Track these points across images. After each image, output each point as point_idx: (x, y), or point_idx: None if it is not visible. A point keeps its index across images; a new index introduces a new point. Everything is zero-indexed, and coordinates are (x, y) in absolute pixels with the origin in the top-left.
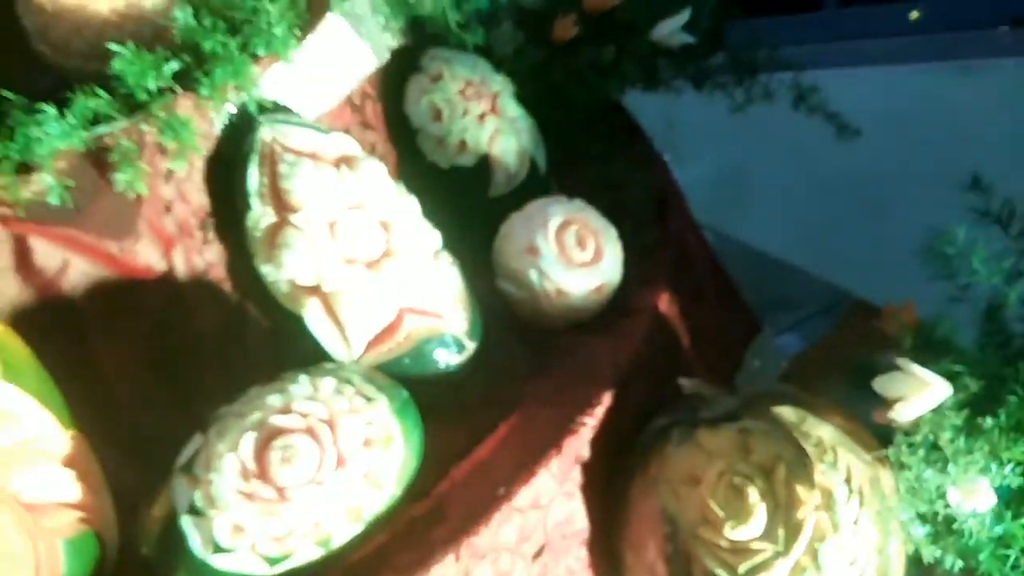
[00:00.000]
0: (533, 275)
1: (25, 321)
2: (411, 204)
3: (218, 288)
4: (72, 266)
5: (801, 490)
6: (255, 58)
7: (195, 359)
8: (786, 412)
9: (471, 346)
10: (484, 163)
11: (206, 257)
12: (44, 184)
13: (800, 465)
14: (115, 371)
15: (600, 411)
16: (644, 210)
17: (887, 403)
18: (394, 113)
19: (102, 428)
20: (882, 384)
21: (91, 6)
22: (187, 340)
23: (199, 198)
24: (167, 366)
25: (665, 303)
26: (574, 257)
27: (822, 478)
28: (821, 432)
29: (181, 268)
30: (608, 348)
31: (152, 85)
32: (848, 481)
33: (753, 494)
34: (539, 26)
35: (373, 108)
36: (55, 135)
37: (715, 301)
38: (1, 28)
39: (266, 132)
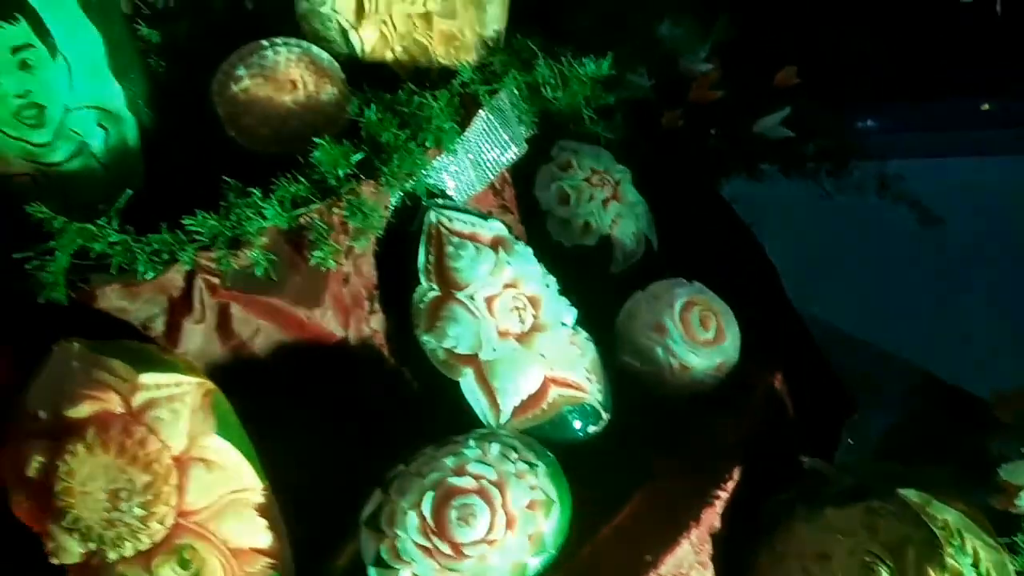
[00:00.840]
0: (659, 352)
1: (223, 380)
2: (552, 282)
3: (380, 353)
4: (263, 331)
5: (932, 573)
6: (424, 148)
7: (362, 418)
8: (911, 494)
9: (606, 415)
10: (605, 243)
11: (371, 325)
12: (251, 258)
13: (930, 548)
14: (295, 427)
15: (731, 484)
16: (748, 288)
17: (1010, 489)
18: (524, 196)
19: (283, 481)
20: (1010, 472)
21: (277, 98)
22: (355, 401)
23: (370, 271)
24: (339, 423)
25: (779, 380)
26: (698, 336)
27: (951, 561)
28: (947, 515)
29: (354, 335)
30: (733, 423)
31: (341, 172)
32: (976, 565)
33: (884, 574)
34: (648, 117)
35: (510, 192)
36: (268, 217)
37: (812, 378)
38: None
39: (433, 215)
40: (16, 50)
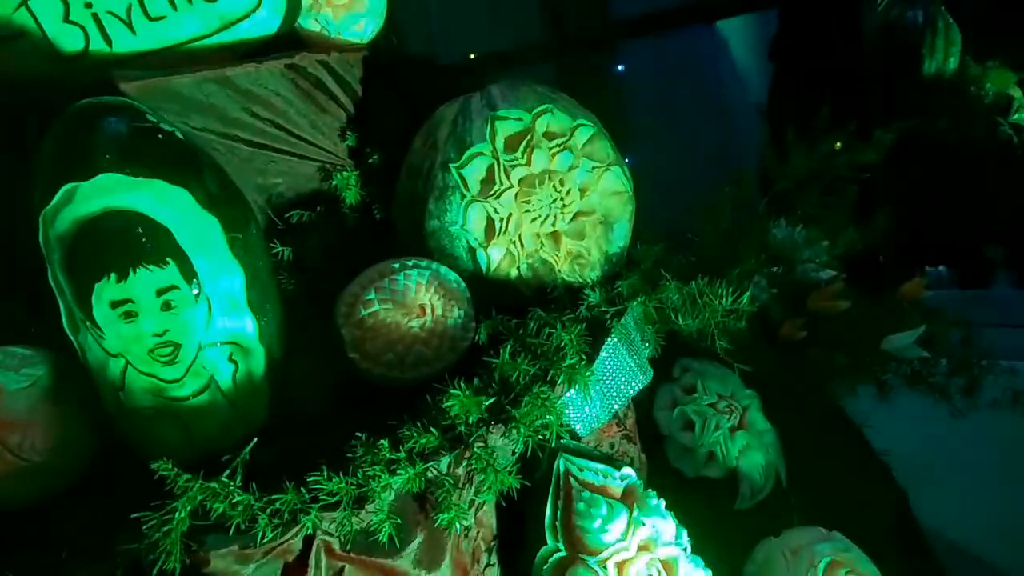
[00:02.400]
0: None
1: None
2: (685, 537)
3: None
4: None
5: None
6: (553, 386)
7: None
8: None
9: None
10: (731, 476)
11: None
12: (373, 519)
13: None
14: None
15: None
16: (880, 520)
17: None
18: (642, 417)
19: None
20: None
21: (404, 324)
22: None
23: (490, 521)
24: None
25: None
26: None
27: None
28: None
29: None
30: None
31: (472, 419)
32: None
33: None
34: (767, 327)
35: (632, 419)
36: (397, 478)
37: None
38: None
39: (562, 464)
40: (161, 292)
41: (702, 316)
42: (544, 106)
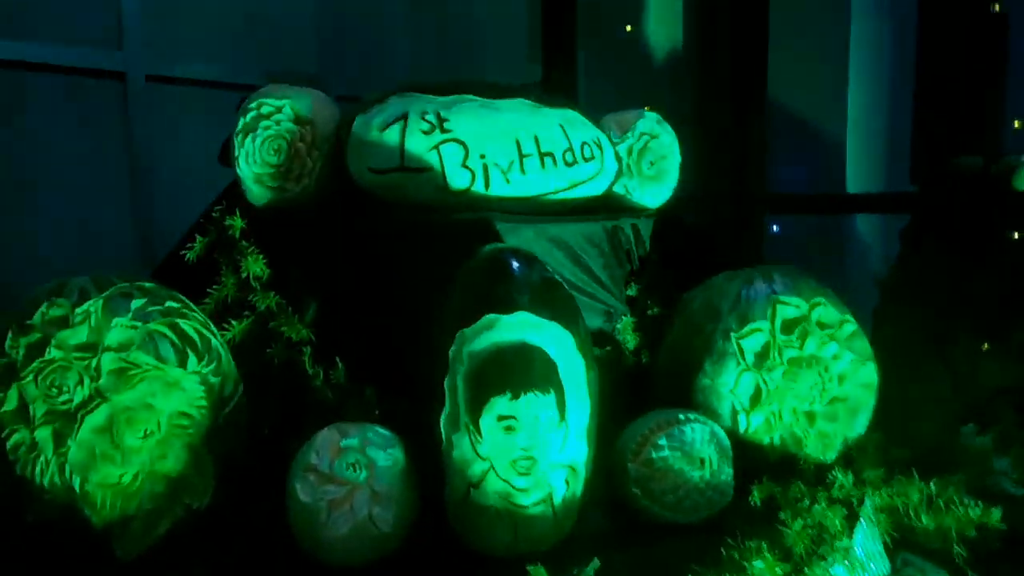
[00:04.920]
0: None
1: None
2: None
3: None
4: None
5: None
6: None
7: None
8: None
9: None
10: None
11: None
12: None
13: None
14: None
15: None
16: None
17: None
18: None
19: None
20: None
21: (687, 472)
22: None
23: None
24: None
25: None
26: None
27: None
28: None
29: None
30: None
31: None
32: None
33: None
34: None
35: None
36: None
37: None
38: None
39: None
40: (538, 415)
41: (941, 519)
42: (818, 298)
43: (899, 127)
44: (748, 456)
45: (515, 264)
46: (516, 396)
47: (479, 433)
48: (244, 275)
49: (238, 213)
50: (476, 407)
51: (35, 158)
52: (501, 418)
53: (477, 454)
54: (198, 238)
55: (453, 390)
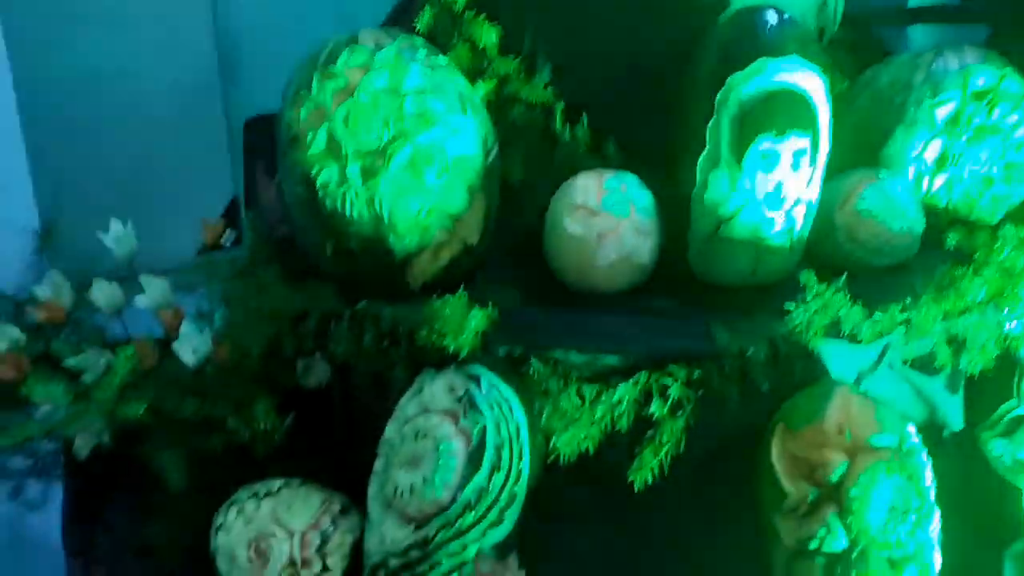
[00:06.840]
0: None
1: None
2: None
3: None
4: None
5: None
6: None
7: None
8: None
9: None
10: None
11: None
12: None
13: None
14: None
15: None
16: None
17: None
18: None
19: None
20: None
21: (888, 222)
22: None
23: None
24: None
25: None
26: None
27: None
28: None
29: None
30: None
31: None
32: None
33: None
34: None
35: None
36: None
37: None
38: None
39: None
40: (795, 153)
41: None
42: (1006, 70)
43: None
44: (928, 215)
45: (781, 16)
46: (781, 133)
47: (739, 168)
48: (480, 46)
49: None
50: (740, 145)
51: None
52: (764, 155)
53: (735, 189)
54: (427, 8)
55: (716, 131)
